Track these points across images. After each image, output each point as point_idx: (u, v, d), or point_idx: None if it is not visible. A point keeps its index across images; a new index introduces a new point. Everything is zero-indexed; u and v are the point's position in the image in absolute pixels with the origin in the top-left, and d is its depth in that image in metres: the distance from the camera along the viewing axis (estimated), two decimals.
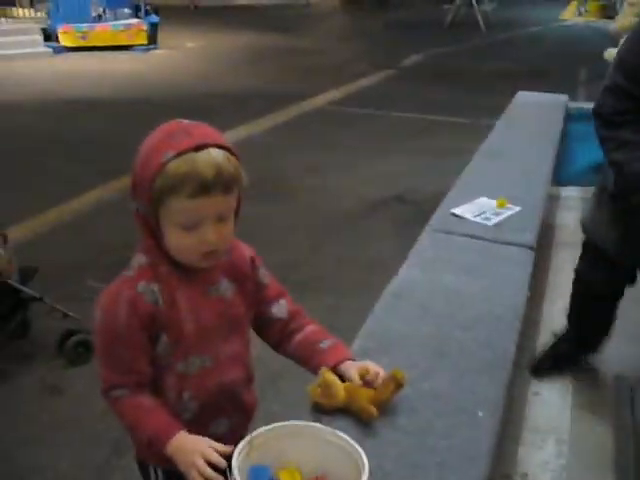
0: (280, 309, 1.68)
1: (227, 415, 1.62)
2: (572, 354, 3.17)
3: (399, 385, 1.64)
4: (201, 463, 1.35)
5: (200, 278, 1.52)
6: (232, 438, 1.44)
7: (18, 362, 3.48)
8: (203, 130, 1.42)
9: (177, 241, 1.42)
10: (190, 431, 1.45)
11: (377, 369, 1.63)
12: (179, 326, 1.49)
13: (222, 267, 1.55)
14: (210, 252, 1.44)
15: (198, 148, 1.36)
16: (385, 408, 1.65)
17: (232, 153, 1.42)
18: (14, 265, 3.37)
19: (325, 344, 1.67)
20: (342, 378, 1.63)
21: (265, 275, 1.66)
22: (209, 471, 1.34)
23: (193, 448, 1.39)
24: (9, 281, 3.29)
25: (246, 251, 1.64)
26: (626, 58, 2.33)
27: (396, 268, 2.43)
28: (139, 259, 1.50)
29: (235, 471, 1.26)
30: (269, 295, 1.67)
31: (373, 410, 1.60)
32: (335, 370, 1.63)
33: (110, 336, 1.47)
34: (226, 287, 1.57)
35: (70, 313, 3.46)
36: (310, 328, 1.70)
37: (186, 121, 1.44)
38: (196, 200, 1.36)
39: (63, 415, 3.16)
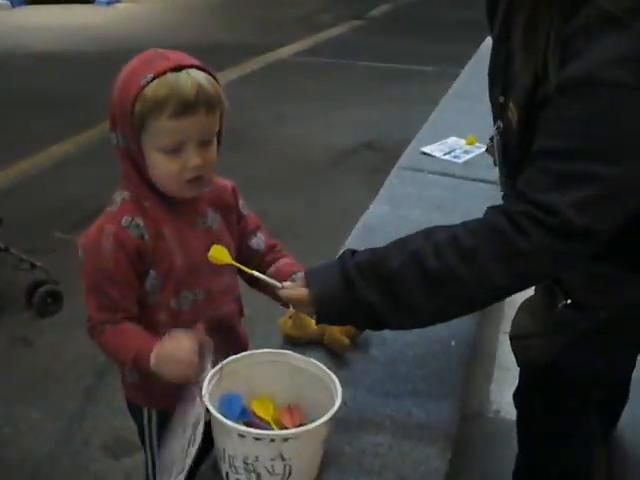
0: (258, 242, 1.66)
1: (222, 351, 1.53)
2: None
3: None
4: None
5: (186, 210, 1.49)
6: None
7: None
8: (180, 54, 1.40)
9: (161, 168, 1.38)
10: None
11: None
12: (168, 260, 1.45)
13: (207, 198, 1.53)
14: (194, 179, 1.40)
15: (177, 69, 1.34)
16: (356, 340, 1.65)
17: (211, 75, 1.39)
18: None
19: (298, 276, 1.65)
20: None
21: (244, 206, 1.65)
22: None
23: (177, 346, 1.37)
24: None
25: (227, 182, 1.62)
26: None
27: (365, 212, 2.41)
28: (122, 194, 1.45)
29: (206, 399, 1.24)
30: (248, 227, 1.65)
31: (346, 340, 1.60)
32: None
33: (96, 273, 1.42)
34: (212, 218, 1.54)
35: (38, 263, 3.40)
36: (284, 261, 1.67)
37: (162, 49, 1.41)
38: (178, 120, 1.33)
39: (34, 367, 3.14)
